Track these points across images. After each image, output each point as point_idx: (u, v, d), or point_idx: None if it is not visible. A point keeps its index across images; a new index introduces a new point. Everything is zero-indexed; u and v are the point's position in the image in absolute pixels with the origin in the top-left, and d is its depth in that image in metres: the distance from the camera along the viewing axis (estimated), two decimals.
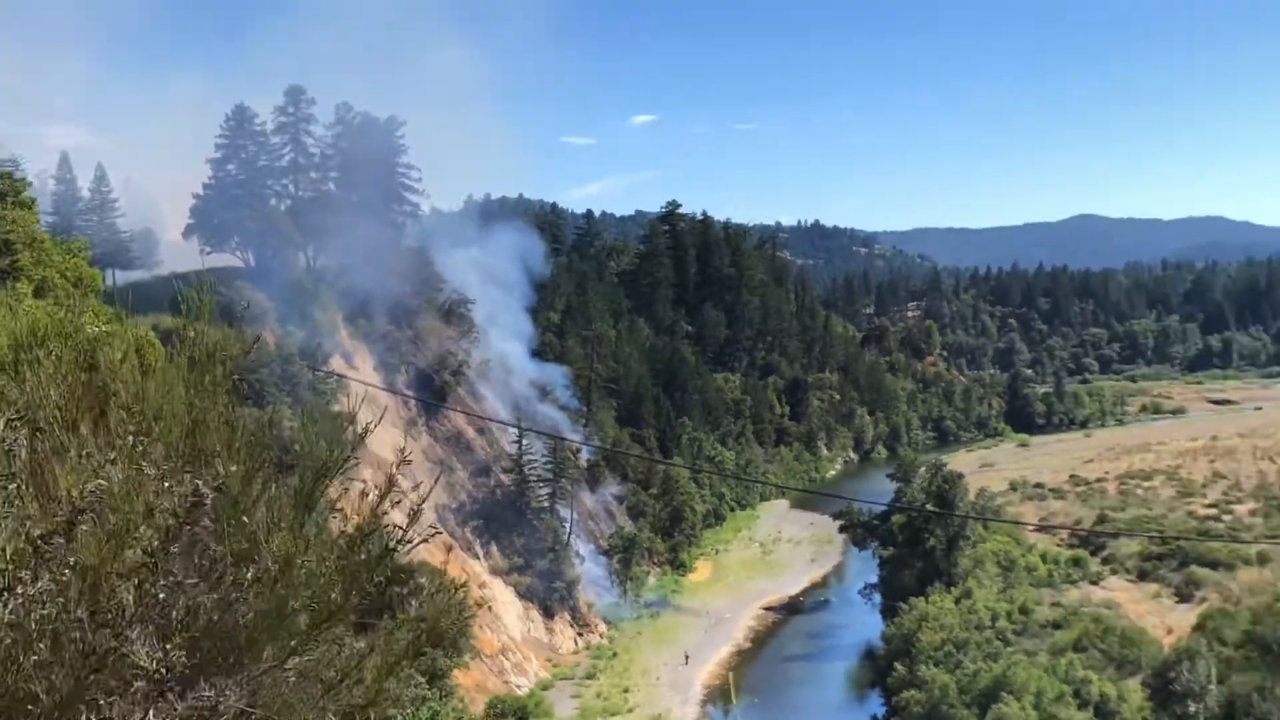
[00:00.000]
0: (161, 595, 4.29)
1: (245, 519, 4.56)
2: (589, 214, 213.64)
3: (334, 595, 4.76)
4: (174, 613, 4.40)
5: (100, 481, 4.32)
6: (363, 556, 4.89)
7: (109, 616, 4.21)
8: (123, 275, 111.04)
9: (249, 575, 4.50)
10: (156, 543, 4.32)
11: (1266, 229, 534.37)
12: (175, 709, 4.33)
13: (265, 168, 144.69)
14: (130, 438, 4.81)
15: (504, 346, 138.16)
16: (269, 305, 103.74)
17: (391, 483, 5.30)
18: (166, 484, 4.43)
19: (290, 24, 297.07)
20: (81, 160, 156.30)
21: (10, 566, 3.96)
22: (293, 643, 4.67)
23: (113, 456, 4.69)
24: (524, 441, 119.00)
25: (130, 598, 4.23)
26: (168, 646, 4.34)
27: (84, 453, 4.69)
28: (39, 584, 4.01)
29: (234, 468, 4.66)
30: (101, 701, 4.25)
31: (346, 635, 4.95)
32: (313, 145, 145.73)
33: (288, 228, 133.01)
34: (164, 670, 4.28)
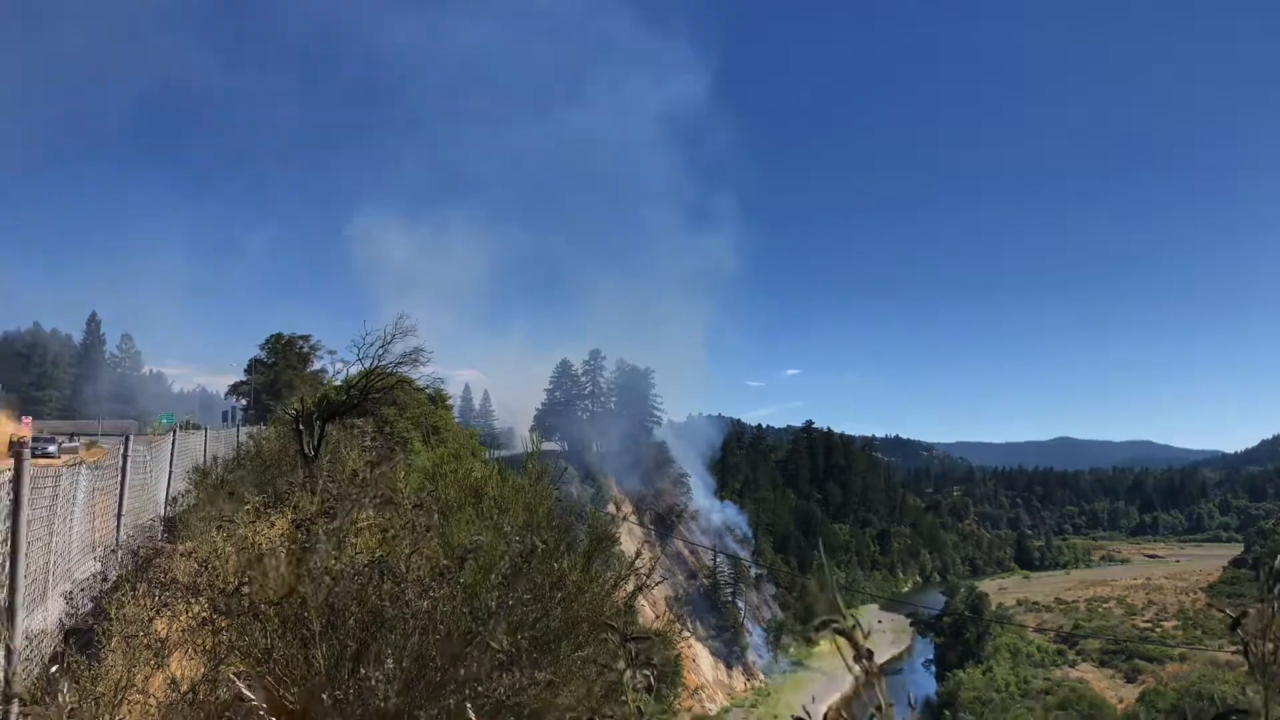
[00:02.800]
0: (510, 603, 4.39)
1: (555, 564, 4.66)
2: (759, 426, 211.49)
3: (604, 611, 4.80)
4: (514, 615, 4.50)
5: (478, 537, 4.49)
6: (621, 592, 4.93)
7: (480, 614, 4.32)
8: (495, 453, 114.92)
9: (558, 596, 4.57)
10: (509, 571, 4.45)
11: (1181, 450, 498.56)
12: (513, 674, 4.39)
13: (575, 394, 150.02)
14: (495, 515, 5.02)
15: (705, 501, 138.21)
16: (575, 472, 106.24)
17: (638, 554, 5.35)
18: (517, 540, 4.58)
19: (592, 286, 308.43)
20: (475, 387, 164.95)
21: (425, 578, 4.13)
22: (579, 639, 4.70)
23: (484, 525, 4.88)
24: (717, 559, 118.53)
25: (492, 603, 4.34)
26: (512, 635, 4.43)
27: (467, 521, 4.89)
28: (442, 591, 4.17)
29: (550, 534, 4.79)
30: (472, 666, 4.34)
31: (609, 638, 4.97)
32: (603, 382, 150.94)
33: (586, 429, 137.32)
34: (509, 649, 4.36)
